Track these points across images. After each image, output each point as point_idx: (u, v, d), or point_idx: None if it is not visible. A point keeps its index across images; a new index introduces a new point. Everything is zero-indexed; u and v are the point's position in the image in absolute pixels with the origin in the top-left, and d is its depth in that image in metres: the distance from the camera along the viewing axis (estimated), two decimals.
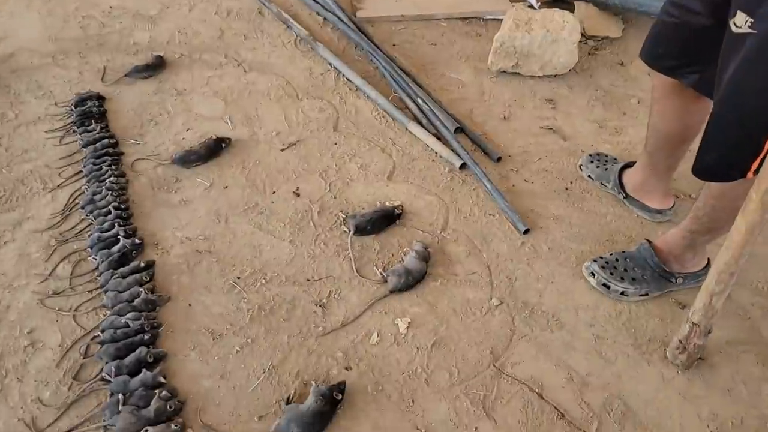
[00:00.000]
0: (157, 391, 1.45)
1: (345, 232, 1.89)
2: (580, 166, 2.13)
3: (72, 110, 2.27)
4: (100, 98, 2.34)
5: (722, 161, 1.37)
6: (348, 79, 2.49)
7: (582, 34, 2.65)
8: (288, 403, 1.45)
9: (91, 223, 1.87)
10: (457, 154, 2.13)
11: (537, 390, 1.52)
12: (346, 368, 1.55)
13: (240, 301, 1.69)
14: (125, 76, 2.47)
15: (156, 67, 2.51)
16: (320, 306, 1.69)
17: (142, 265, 1.75)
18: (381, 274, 1.76)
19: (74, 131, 2.19)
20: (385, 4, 2.95)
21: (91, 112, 2.26)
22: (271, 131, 2.26)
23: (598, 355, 1.60)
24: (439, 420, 1.46)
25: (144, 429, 1.37)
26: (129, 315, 1.60)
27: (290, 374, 1.53)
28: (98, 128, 2.19)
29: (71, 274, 1.73)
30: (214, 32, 2.75)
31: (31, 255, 1.77)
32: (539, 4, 2.85)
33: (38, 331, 1.59)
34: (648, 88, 2.23)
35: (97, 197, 1.94)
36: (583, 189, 2.08)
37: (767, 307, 1.74)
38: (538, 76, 2.56)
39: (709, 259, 1.74)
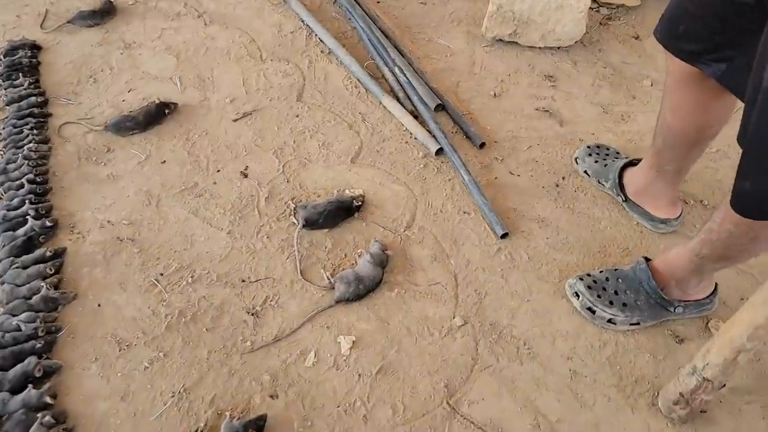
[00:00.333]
0: (40, 414, 1.22)
1: (293, 224, 1.62)
2: (575, 159, 1.83)
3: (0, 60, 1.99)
4: (34, 48, 2.06)
5: (763, 190, 1.06)
6: (320, 40, 2.17)
7: (593, 0, 2.30)
8: None
9: (0, 198, 1.61)
10: (434, 137, 1.83)
11: None
12: (271, 396, 1.31)
13: (158, 303, 1.44)
14: (68, 22, 2.18)
15: (104, 13, 2.22)
16: (252, 315, 1.44)
17: (49, 253, 1.50)
18: (328, 278, 1.50)
19: None
20: None
21: (20, 63, 1.99)
22: (225, 97, 1.96)
23: (573, 397, 1.35)
24: None
25: None
26: (23, 316, 1.37)
27: (203, 400, 1.29)
28: (26, 83, 1.92)
29: None
30: None
31: None
32: None
33: None
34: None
35: (11, 167, 1.69)
36: (576, 187, 1.79)
37: None
38: (539, 48, 2.22)
39: (716, 284, 1.46)
